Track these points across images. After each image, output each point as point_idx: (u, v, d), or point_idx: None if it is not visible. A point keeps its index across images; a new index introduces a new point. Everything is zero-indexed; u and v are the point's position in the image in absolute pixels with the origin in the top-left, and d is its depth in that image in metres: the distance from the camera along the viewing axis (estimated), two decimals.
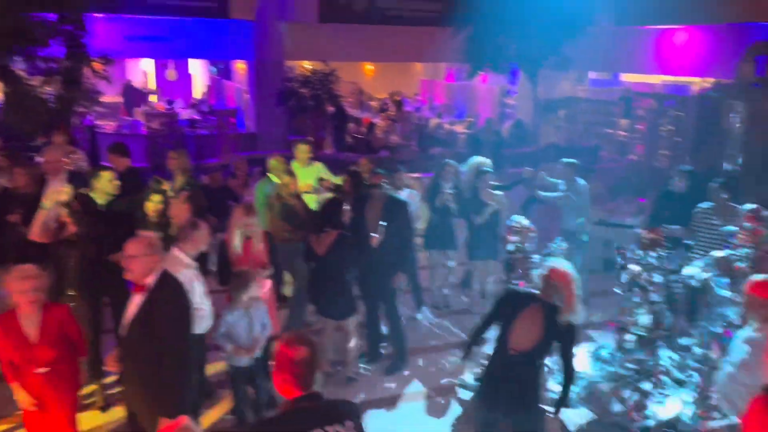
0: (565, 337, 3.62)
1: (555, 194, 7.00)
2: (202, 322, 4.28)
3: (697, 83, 12.43)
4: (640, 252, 4.72)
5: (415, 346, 6.19)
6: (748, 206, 5.03)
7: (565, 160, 7.10)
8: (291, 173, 6.06)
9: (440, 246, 6.87)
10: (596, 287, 7.49)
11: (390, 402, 5.26)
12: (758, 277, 3.42)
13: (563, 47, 12.23)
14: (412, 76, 23.24)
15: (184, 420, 2.52)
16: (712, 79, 11.00)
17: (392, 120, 16.36)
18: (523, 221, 4.96)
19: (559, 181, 7.06)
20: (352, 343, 5.29)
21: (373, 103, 20.13)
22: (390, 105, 18.33)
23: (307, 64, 14.22)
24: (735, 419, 3.28)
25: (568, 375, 3.68)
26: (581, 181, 6.99)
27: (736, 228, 4.95)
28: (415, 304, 6.78)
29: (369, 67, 22.69)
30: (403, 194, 6.34)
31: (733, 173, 8.72)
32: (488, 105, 17.47)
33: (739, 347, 3.37)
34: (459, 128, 15.91)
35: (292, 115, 13.70)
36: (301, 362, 2.38)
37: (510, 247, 5.15)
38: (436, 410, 5.14)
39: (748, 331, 3.36)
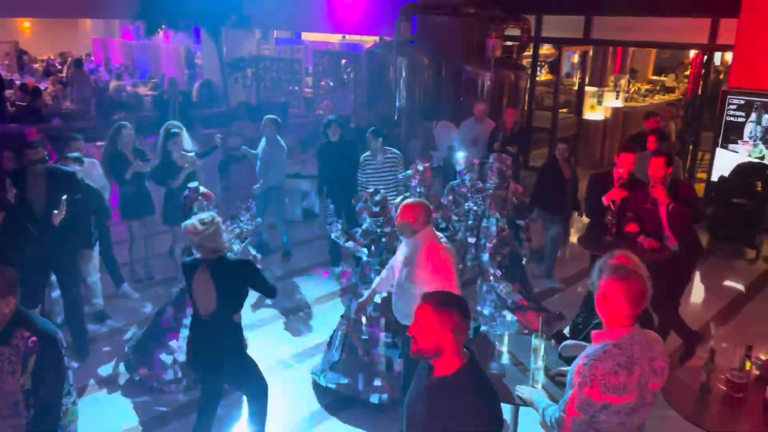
0: (246, 281, 3.65)
1: (258, 150, 7.08)
2: None
3: (369, 42, 13.67)
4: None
5: (127, 321, 5.93)
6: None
7: (268, 116, 7.11)
8: None
9: (137, 215, 6.48)
10: (297, 236, 7.98)
11: (107, 385, 4.94)
12: (405, 201, 3.83)
13: (244, 6, 12.19)
14: (81, 35, 20.95)
15: None
16: (377, 38, 12.20)
17: (63, 84, 14.54)
18: (201, 188, 4.90)
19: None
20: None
21: (37, 66, 17.71)
22: (58, 66, 16.25)
23: None
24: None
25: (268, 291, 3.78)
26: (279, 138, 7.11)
27: (410, 171, 5.56)
28: (114, 281, 6.32)
29: (26, 23, 19.79)
30: (84, 164, 5.76)
31: (397, 121, 9.90)
32: (173, 65, 16.67)
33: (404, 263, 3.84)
34: (143, 90, 14.92)
35: None
36: None
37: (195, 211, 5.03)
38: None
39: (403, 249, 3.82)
